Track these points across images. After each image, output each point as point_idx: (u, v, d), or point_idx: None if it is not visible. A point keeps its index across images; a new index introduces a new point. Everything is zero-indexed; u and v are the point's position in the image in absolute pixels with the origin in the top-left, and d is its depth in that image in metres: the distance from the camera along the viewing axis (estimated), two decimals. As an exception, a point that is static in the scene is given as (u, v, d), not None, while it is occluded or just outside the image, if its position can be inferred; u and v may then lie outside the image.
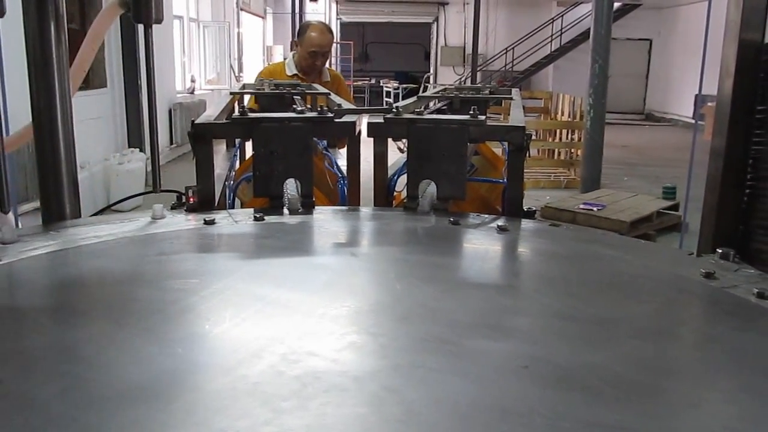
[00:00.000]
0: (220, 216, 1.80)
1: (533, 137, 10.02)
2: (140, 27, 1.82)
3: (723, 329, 1.23)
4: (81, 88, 2.03)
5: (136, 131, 9.60)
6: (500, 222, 1.81)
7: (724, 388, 1.02)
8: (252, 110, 2.17)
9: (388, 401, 0.90)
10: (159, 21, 1.79)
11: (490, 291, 1.40)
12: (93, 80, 8.66)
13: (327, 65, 4.26)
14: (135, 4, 1.78)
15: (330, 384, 0.93)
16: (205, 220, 1.73)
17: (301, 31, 4.11)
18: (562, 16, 22.22)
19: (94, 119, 8.27)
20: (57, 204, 1.88)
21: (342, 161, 2.46)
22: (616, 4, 14.67)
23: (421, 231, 1.82)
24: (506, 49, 22.94)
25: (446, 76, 23.55)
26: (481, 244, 1.72)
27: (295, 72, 3.96)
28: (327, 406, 0.88)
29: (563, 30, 22.11)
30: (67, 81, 1.86)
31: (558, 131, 11.25)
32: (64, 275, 1.43)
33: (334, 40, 4.17)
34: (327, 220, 1.85)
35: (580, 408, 0.90)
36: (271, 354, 1.00)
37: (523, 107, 2.66)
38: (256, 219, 1.78)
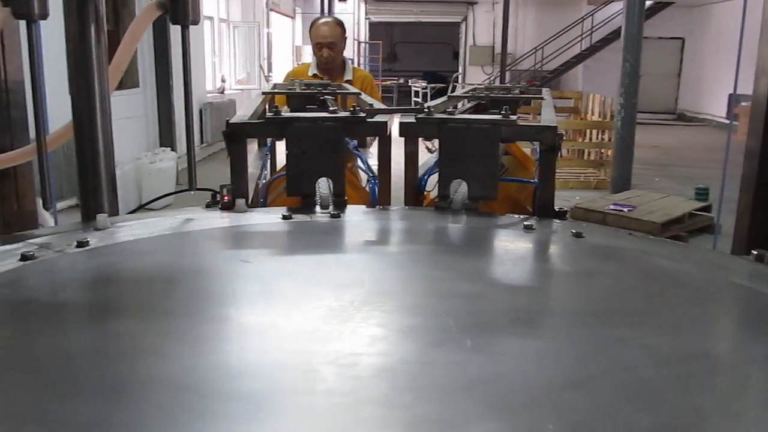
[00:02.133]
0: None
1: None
2: (173, 28, 1.86)
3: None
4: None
5: (167, 130, 9.74)
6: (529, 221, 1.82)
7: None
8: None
9: (467, 371, 0.96)
10: (195, 22, 1.82)
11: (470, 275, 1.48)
12: (126, 80, 8.80)
13: (354, 65, 4.26)
14: (172, 5, 1.81)
15: (408, 374, 0.96)
16: (243, 217, 1.76)
17: (310, 26, 4.12)
18: (593, 14, 22.00)
19: (126, 119, 8.40)
20: (95, 201, 1.93)
21: (371, 161, 2.48)
22: (648, 2, 14.48)
23: (447, 230, 1.84)
24: (535, 48, 22.79)
25: (475, 76, 23.48)
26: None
27: (315, 72, 3.96)
28: (433, 391, 0.91)
29: (593, 29, 21.90)
30: (106, 81, 1.90)
31: (588, 131, 11.15)
32: (102, 271, 1.46)
33: (346, 35, 4.07)
34: (359, 220, 1.88)
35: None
36: (321, 364, 0.98)
37: (554, 107, 2.65)
38: (284, 218, 1.81)
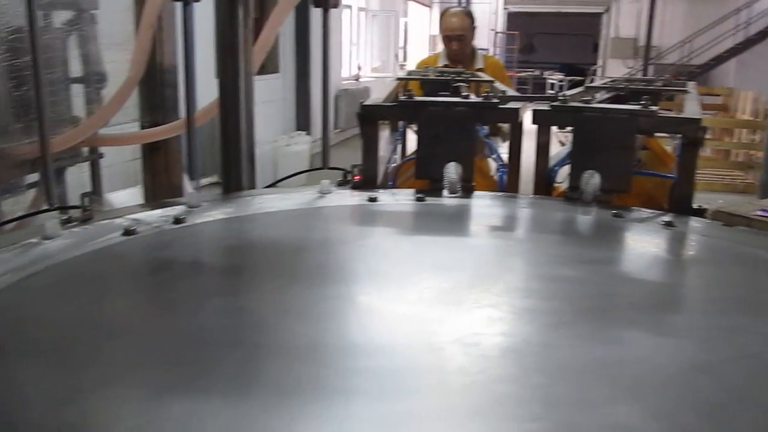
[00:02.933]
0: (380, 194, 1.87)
1: (707, 136, 9.30)
2: (314, 17, 1.93)
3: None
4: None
5: (303, 115, 10.08)
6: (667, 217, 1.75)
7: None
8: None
9: (591, 354, 0.98)
10: (335, 5, 1.88)
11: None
12: (267, 66, 9.17)
13: (488, 53, 4.23)
14: (315, -11, 1.89)
15: (534, 354, 0.98)
16: (369, 197, 1.82)
17: (440, 18, 4.15)
18: (751, 5, 20.46)
19: (265, 102, 8.76)
20: (236, 177, 2.04)
21: (501, 151, 2.46)
22: (815, -7, 13.29)
23: (575, 220, 1.81)
24: (683, 41, 21.54)
25: (615, 69, 22.50)
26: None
27: (445, 62, 3.96)
28: (562, 372, 0.92)
29: (750, 20, 20.36)
30: (251, 63, 2.00)
31: (737, 131, 10.43)
32: (240, 238, 1.55)
33: (475, 25, 4.04)
34: (486, 205, 1.88)
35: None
36: (446, 344, 0.99)
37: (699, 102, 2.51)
38: (418, 199, 1.85)
